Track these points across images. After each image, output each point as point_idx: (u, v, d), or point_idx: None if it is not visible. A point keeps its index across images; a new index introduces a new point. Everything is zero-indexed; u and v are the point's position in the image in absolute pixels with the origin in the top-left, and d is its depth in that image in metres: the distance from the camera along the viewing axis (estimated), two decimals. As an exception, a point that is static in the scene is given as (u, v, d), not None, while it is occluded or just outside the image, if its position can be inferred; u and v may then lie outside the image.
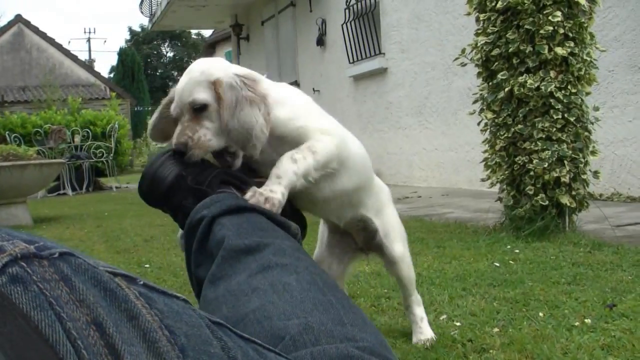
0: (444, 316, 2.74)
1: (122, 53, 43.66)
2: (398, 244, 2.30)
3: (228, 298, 1.37)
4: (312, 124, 1.86)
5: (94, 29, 75.86)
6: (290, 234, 1.67)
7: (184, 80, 1.85)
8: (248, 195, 1.69)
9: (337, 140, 1.88)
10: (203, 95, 1.79)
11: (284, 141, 1.84)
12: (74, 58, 34.13)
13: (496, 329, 2.51)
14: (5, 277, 0.72)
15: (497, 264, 3.69)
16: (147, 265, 4.51)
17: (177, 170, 1.77)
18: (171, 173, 1.77)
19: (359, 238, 2.31)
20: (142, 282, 0.88)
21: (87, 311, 0.75)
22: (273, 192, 1.70)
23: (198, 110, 1.80)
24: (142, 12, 20.71)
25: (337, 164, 1.88)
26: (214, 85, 1.80)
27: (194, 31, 60.57)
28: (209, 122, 1.80)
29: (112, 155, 15.68)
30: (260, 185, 1.80)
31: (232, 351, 0.96)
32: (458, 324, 2.62)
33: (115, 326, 0.77)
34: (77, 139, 15.47)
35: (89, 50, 62.24)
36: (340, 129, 2.00)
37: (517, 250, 4.04)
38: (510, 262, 3.74)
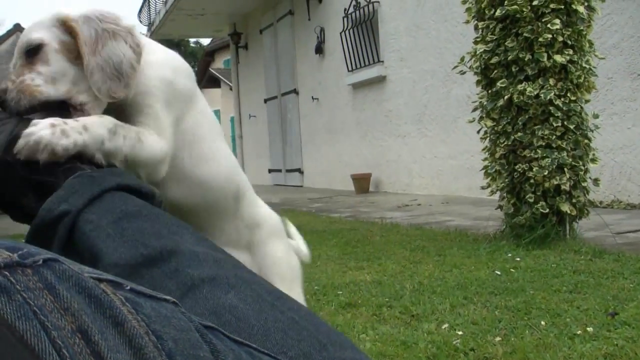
0: (446, 325, 2.74)
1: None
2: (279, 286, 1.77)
3: None
4: (159, 114, 1.47)
5: (93, 37, 75.89)
6: (156, 203, 1.35)
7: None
8: (20, 142, 1.25)
9: (166, 151, 1.47)
10: (39, 34, 1.41)
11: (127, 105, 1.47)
12: (73, 67, 34.09)
13: (498, 338, 2.51)
14: None
15: (498, 272, 3.69)
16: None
17: None
18: None
19: None
20: (128, 287, 0.86)
21: (72, 319, 0.74)
22: (61, 138, 1.27)
23: (31, 52, 1.41)
24: (140, 21, 20.75)
25: (146, 177, 1.44)
26: (64, 23, 1.42)
27: (192, 40, 60.67)
28: (44, 65, 1.39)
29: (111, 164, 15.64)
30: None
31: (222, 354, 0.93)
32: (460, 332, 2.61)
33: (101, 333, 0.76)
34: (76, 148, 15.45)
35: (88, 59, 62.34)
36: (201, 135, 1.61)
37: (517, 259, 4.03)
38: (511, 270, 3.74)
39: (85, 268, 0.84)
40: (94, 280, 0.82)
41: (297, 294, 1.77)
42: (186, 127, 1.55)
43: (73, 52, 1.41)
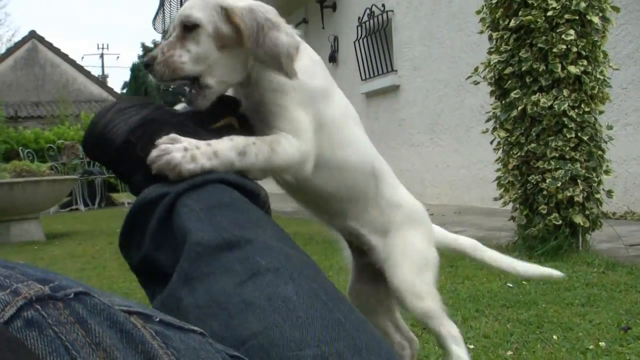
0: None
1: (135, 69, 43.87)
2: (402, 269, 1.80)
3: (216, 311, 1.20)
4: (294, 115, 1.58)
5: (107, 44, 76.29)
6: (260, 203, 1.46)
7: None
8: (154, 154, 1.38)
9: (305, 150, 1.57)
10: (200, 15, 1.52)
11: (258, 103, 1.60)
12: (87, 74, 34.30)
13: (510, 352, 2.49)
14: (20, 321, 0.71)
15: (510, 285, 3.67)
16: (159, 283, 4.49)
17: (125, 134, 1.48)
18: (119, 137, 1.48)
19: (353, 253, 1.99)
20: (158, 319, 0.87)
21: (103, 355, 0.74)
22: (189, 162, 1.38)
23: (187, 29, 1.52)
24: (155, 29, 20.87)
25: (293, 177, 1.58)
26: (226, 12, 1.52)
27: (206, 47, 60.88)
28: (194, 45, 1.52)
29: (124, 170, 15.70)
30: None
31: None
32: (472, 346, 2.59)
33: None
34: (90, 154, 15.52)
35: (102, 66, 62.75)
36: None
37: (530, 270, 4.01)
38: (524, 282, 3.71)
39: (116, 300, 0.85)
40: (124, 313, 0.83)
41: (427, 281, 1.84)
42: (323, 120, 1.65)
43: (223, 40, 1.52)
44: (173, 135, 1.41)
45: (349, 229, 1.85)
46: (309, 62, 1.68)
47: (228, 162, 1.43)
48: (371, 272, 1.91)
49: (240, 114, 1.63)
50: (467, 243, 2.09)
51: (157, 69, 1.51)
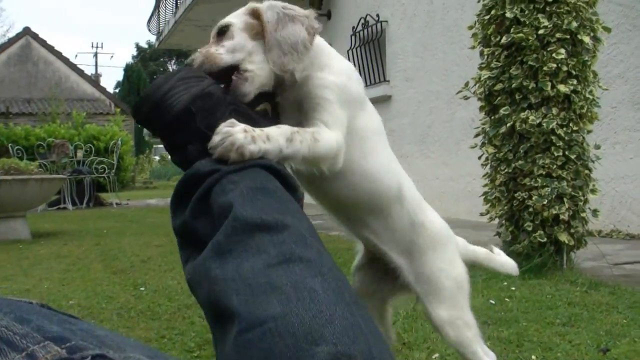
0: (437, 355, 2.73)
1: (128, 69, 43.89)
2: (439, 307, 1.86)
3: (240, 286, 1.21)
4: (335, 110, 1.67)
5: (102, 43, 76.14)
6: (297, 198, 1.51)
7: None
8: (217, 138, 1.45)
9: (341, 143, 1.65)
10: (229, 19, 1.71)
11: (302, 97, 1.70)
12: (80, 72, 34.21)
13: (488, 371, 2.49)
14: None
15: (493, 301, 3.68)
16: (143, 288, 4.49)
17: (186, 102, 1.53)
18: (179, 104, 1.52)
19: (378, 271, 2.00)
20: None
21: None
22: (250, 143, 1.46)
23: (221, 32, 1.70)
24: (149, 30, 20.85)
25: (328, 168, 1.65)
26: (252, 12, 1.71)
27: (201, 50, 60.71)
28: (228, 40, 1.67)
29: (114, 171, 15.69)
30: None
31: None
32: (450, 363, 2.60)
33: None
34: (80, 153, 15.49)
35: (96, 65, 62.56)
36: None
37: (513, 288, 4.02)
38: (506, 299, 3.72)
39: (130, 355, 0.85)
40: None
41: (460, 307, 1.88)
42: (357, 126, 1.75)
43: (254, 29, 1.68)
44: (232, 120, 1.49)
45: (372, 244, 1.90)
46: (343, 63, 1.80)
47: (278, 147, 1.51)
48: (379, 269, 1.96)
49: (273, 103, 1.76)
50: (482, 253, 2.17)
51: (197, 62, 1.65)
